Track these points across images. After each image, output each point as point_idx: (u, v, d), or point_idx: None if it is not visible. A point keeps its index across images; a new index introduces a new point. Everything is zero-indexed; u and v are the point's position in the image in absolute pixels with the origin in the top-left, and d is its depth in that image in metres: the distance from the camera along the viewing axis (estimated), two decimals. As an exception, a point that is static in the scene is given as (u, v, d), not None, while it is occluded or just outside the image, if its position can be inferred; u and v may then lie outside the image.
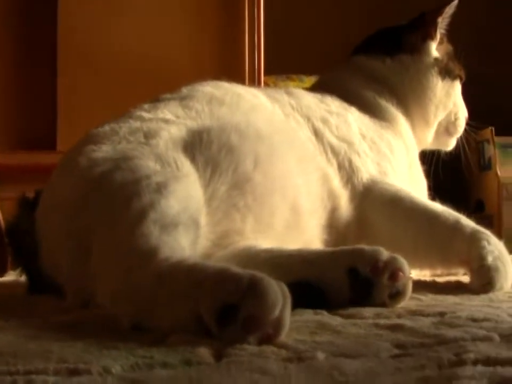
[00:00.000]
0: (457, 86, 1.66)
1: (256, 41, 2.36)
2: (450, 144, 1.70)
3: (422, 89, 1.59)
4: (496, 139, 2.85)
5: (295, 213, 1.20)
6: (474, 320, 0.90)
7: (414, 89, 1.59)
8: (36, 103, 2.32)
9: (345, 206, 1.32)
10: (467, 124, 1.70)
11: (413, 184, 1.50)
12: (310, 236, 1.24)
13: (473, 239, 1.25)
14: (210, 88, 1.32)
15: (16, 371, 0.64)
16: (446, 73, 1.61)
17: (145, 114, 1.19)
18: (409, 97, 1.59)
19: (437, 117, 1.62)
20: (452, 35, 1.65)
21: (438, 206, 1.34)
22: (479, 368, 0.63)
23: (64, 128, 2.24)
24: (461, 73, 1.66)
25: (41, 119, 2.31)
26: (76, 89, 2.27)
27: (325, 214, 1.28)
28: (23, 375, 0.62)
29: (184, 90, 1.31)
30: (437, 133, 1.66)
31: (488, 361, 0.65)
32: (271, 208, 1.16)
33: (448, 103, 1.63)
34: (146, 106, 1.24)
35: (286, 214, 1.19)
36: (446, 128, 1.66)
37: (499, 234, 1.30)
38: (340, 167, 1.34)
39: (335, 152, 1.35)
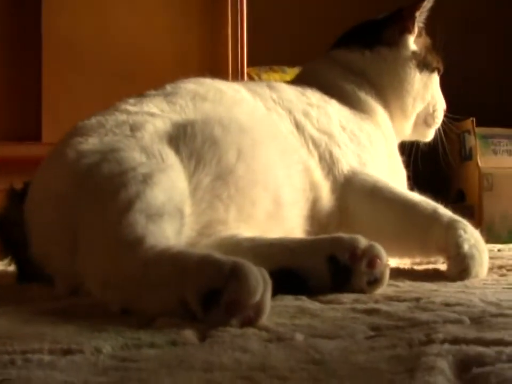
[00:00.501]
0: (435, 78, 1.67)
1: (239, 33, 2.36)
2: (428, 135, 1.72)
3: (399, 82, 1.60)
4: (477, 130, 2.86)
5: (277, 204, 1.22)
6: (448, 304, 0.93)
7: (392, 82, 1.60)
8: (21, 95, 2.32)
9: (326, 197, 1.34)
10: (445, 116, 1.72)
11: (392, 175, 1.52)
12: (291, 226, 1.26)
13: (450, 228, 1.27)
14: (193, 85, 1.33)
15: (13, 351, 0.67)
16: (424, 65, 1.63)
17: (131, 108, 1.21)
18: (387, 89, 1.60)
19: (415, 108, 1.64)
20: (434, 27, 1.67)
21: (416, 196, 1.36)
22: (446, 346, 0.67)
23: (49, 119, 2.24)
24: (439, 66, 1.68)
25: (26, 111, 2.31)
26: (61, 81, 2.26)
27: (306, 205, 1.30)
28: (20, 354, 0.66)
29: (168, 87, 1.32)
30: (416, 124, 1.67)
31: (456, 341, 0.69)
32: (253, 199, 1.18)
33: (426, 95, 1.64)
34: (131, 100, 1.25)
35: (268, 204, 1.21)
36: (424, 119, 1.68)
37: (480, 224, 1.33)
38: (321, 158, 1.36)
39: (316, 144, 1.37)
